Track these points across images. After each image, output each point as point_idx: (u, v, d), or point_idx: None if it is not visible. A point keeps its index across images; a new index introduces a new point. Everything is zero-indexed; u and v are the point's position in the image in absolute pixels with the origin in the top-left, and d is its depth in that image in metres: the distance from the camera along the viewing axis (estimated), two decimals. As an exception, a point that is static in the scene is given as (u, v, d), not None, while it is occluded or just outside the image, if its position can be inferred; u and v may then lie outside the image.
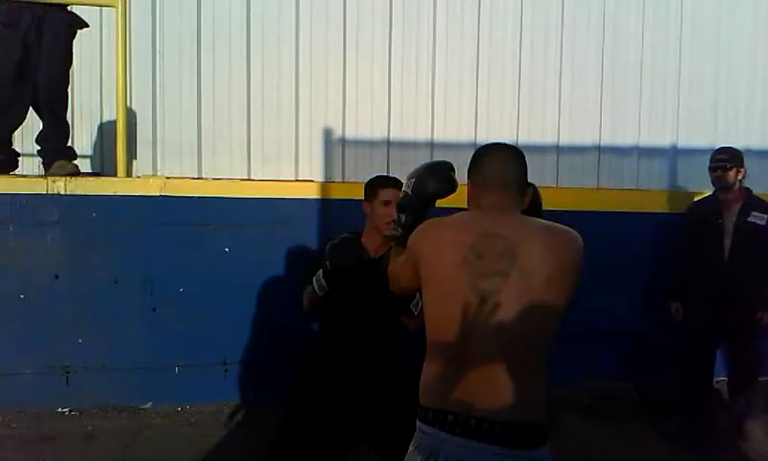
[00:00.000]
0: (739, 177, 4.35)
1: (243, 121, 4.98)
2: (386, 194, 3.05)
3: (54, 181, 4.18)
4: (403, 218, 2.33)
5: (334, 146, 5.12)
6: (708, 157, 4.49)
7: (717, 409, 4.43)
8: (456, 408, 1.88)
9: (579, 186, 5.28)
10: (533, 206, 2.14)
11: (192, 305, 4.38)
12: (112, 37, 4.42)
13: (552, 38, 5.44)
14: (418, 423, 1.99)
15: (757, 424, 4.18)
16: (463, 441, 1.87)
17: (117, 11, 4.30)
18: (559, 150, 5.39)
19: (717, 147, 4.62)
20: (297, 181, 4.97)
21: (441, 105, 5.28)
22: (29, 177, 4.32)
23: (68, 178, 4.23)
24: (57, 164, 4.34)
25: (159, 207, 4.36)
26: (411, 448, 2.00)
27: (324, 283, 2.95)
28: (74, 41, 4.47)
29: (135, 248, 4.32)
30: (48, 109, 4.39)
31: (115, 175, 4.37)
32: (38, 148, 4.46)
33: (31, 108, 4.39)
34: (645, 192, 5.46)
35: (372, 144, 5.17)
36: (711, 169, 4.42)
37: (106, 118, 5.05)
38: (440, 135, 5.27)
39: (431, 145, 5.24)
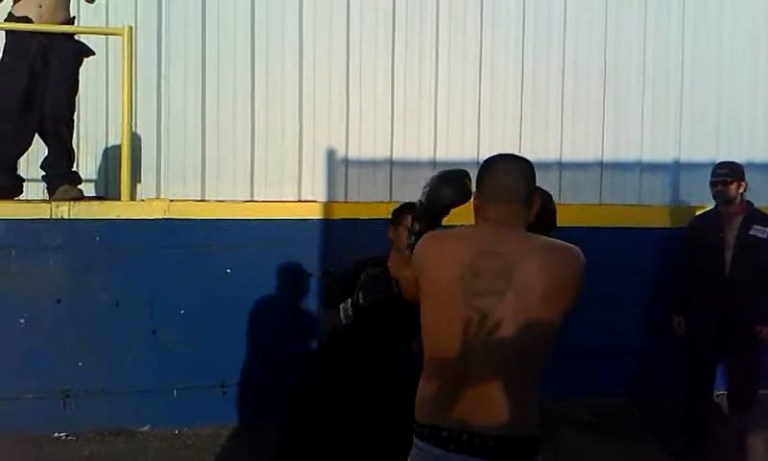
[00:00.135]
0: (740, 191, 4.33)
1: (246, 143, 5.01)
2: (409, 221, 3.07)
3: (57, 206, 4.24)
4: (417, 227, 2.33)
5: (337, 166, 5.14)
6: (710, 171, 4.48)
7: (718, 424, 4.39)
8: (451, 425, 1.89)
9: (582, 202, 5.27)
10: (544, 217, 2.12)
11: (192, 327, 4.40)
12: (118, 64, 4.50)
13: (554, 58, 5.45)
14: (414, 439, 2.00)
15: (759, 438, 4.13)
16: (456, 457, 1.88)
17: (123, 38, 4.38)
18: (561, 166, 5.38)
19: (718, 161, 4.61)
20: (300, 201, 5.00)
21: (443, 124, 5.30)
22: (33, 202, 4.40)
23: (72, 202, 4.29)
24: (61, 189, 4.42)
25: (162, 230, 4.40)
26: None
27: (351, 315, 2.95)
28: (80, 68, 4.55)
29: (138, 271, 4.36)
30: (54, 136, 4.47)
31: (119, 199, 4.43)
32: (43, 173, 4.54)
33: (37, 134, 4.47)
34: (647, 207, 5.45)
35: (374, 164, 5.20)
36: (712, 183, 4.40)
37: (110, 143, 5.12)
38: (442, 155, 5.28)
39: (434, 164, 5.25)
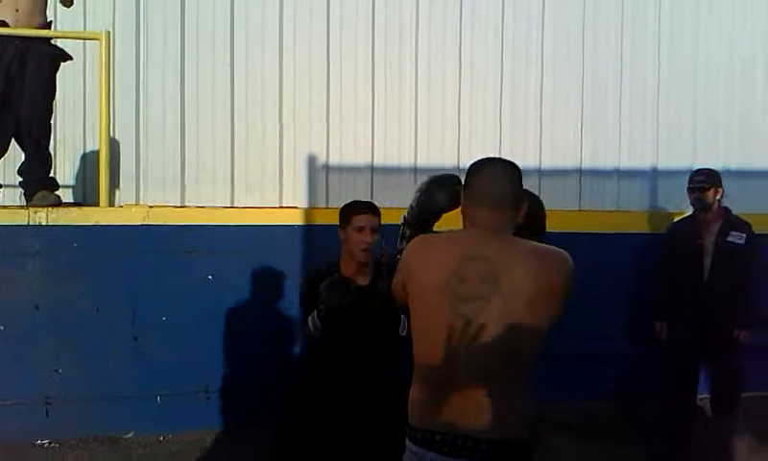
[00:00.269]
0: (717, 197, 4.40)
1: (227, 149, 4.99)
2: (360, 220, 3.05)
3: (35, 212, 4.18)
4: (408, 232, 2.31)
5: (318, 172, 5.13)
6: (687, 178, 4.55)
7: (701, 428, 4.44)
8: (443, 428, 1.91)
9: (561, 208, 5.31)
10: (533, 222, 2.13)
11: (174, 333, 4.36)
12: (96, 69, 4.45)
13: (532, 65, 5.50)
14: (407, 442, 2.01)
15: (742, 442, 4.19)
16: (450, 460, 1.89)
17: (101, 43, 4.34)
18: (540, 173, 5.43)
19: (696, 168, 4.68)
20: (281, 207, 4.98)
21: (424, 130, 5.32)
22: (10, 208, 4.33)
23: (50, 208, 4.23)
24: (39, 195, 4.35)
25: (142, 236, 4.36)
26: None
27: (319, 325, 2.97)
28: (57, 73, 4.50)
29: (117, 277, 4.31)
30: (31, 141, 4.41)
31: (98, 204, 4.38)
32: (20, 179, 4.48)
33: (13, 139, 4.41)
34: (626, 213, 5.51)
35: (356, 170, 5.20)
36: (690, 190, 4.47)
37: (88, 148, 5.07)
38: (423, 161, 5.30)
39: (415, 170, 5.27)
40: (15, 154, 4.50)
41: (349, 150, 5.18)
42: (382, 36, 5.24)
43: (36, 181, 4.43)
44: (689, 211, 4.62)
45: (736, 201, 4.61)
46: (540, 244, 2.01)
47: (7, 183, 4.65)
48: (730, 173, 5.13)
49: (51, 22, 4.59)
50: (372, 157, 5.23)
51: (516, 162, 2.09)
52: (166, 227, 4.42)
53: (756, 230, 4.41)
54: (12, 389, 4.14)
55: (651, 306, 4.67)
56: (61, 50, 4.51)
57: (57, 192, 4.49)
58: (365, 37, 5.21)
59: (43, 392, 4.20)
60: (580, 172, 5.55)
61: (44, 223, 4.18)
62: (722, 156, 5.68)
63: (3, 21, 4.29)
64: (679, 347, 4.41)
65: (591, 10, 5.61)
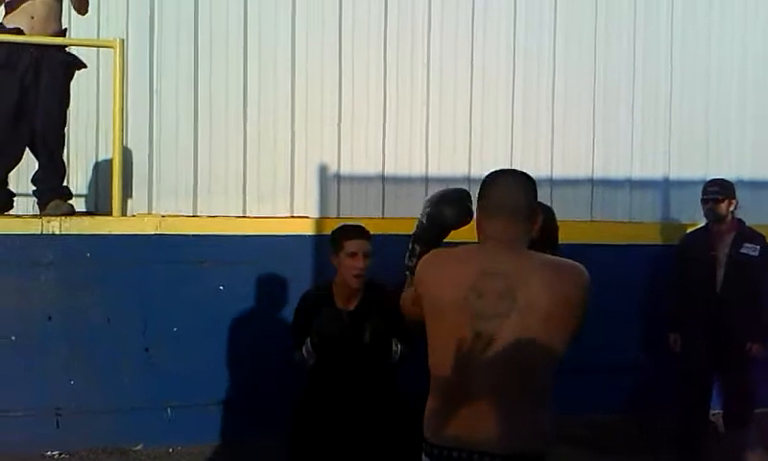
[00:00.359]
0: (731, 208, 4.38)
1: (239, 159, 4.98)
2: (351, 246, 3.08)
3: (48, 221, 4.19)
4: (417, 249, 2.28)
5: (329, 182, 5.13)
6: (701, 188, 4.52)
7: (714, 442, 4.41)
8: (458, 444, 1.91)
9: (572, 219, 5.29)
10: (546, 232, 2.12)
11: (185, 345, 4.35)
12: (109, 77, 4.46)
13: (544, 75, 5.48)
14: (423, 457, 2.02)
15: (754, 457, 4.16)
16: None
17: (115, 51, 4.35)
18: (552, 183, 5.40)
19: (709, 179, 4.65)
20: (292, 217, 4.98)
21: (435, 140, 5.30)
22: (23, 217, 4.34)
23: (63, 217, 4.24)
24: (52, 204, 4.37)
25: (154, 246, 4.37)
26: None
27: (313, 352, 3.01)
28: (71, 82, 4.52)
29: (130, 287, 4.32)
30: (45, 150, 4.42)
31: (110, 214, 4.38)
32: (34, 188, 4.50)
33: (27, 148, 4.43)
34: (638, 224, 5.49)
35: (367, 180, 5.19)
36: (704, 201, 4.45)
37: (101, 157, 5.08)
38: (434, 170, 5.29)
39: (426, 180, 5.26)
40: (29, 163, 4.51)
41: (360, 158, 5.17)
42: (394, 46, 5.24)
43: (50, 189, 4.44)
44: (702, 222, 4.59)
45: (750, 212, 4.59)
46: (555, 257, 2.02)
47: (20, 192, 4.66)
48: (743, 183, 5.09)
49: (66, 30, 4.61)
50: (384, 166, 5.22)
51: (528, 172, 2.09)
52: (178, 236, 4.43)
53: (770, 241, 4.39)
54: (22, 399, 4.14)
55: (664, 318, 4.64)
56: (76, 58, 4.52)
57: (70, 201, 4.50)
58: (377, 46, 5.20)
59: (54, 403, 4.20)
60: (592, 182, 5.53)
61: (57, 232, 4.19)
62: (734, 165, 5.65)
63: (18, 28, 4.30)
64: (692, 359, 4.38)
65: (604, 14, 5.59)
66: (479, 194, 2.06)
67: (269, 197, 4.99)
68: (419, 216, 2.33)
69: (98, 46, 4.84)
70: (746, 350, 4.21)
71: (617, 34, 5.62)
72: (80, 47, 4.65)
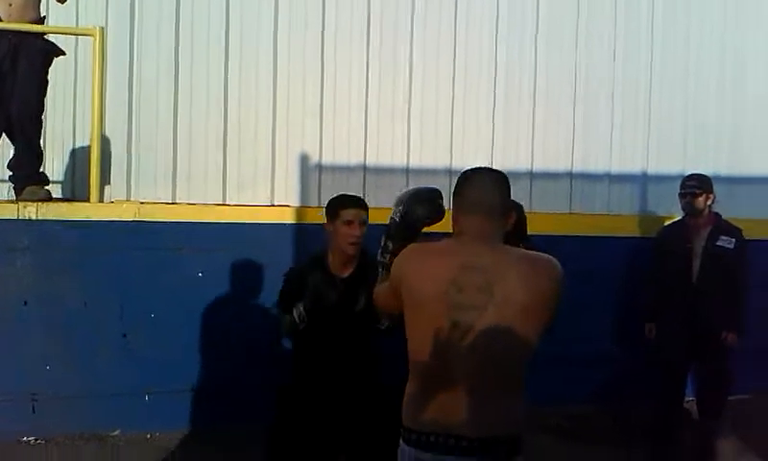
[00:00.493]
0: (708, 202, 4.45)
1: (219, 147, 4.94)
2: (348, 214, 3.09)
3: (25, 207, 4.16)
4: (390, 245, 2.33)
5: (311, 171, 5.11)
6: (678, 182, 4.58)
7: (688, 431, 4.47)
8: (436, 429, 1.97)
9: (552, 211, 5.33)
10: (517, 225, 2.16)
11: (163, 331, 4.33)
12: (87, 64, 4.42)
13: (526, 67, 5.51)
14: (401, 443, 2.06)
15: (728, 444, 4.22)
16: (444, 457, 1.96)
17: (95, 39, 4.32)
18: (532, 176, 5.44)
19: (687, 173, 4.71)
20: (272, 205, 4.96)
21: (417, 131, 5.31)
22: (-1, 202, 4.30)
23: (40, 203, 4.21)
24: (28, 190, 4.33)
25: (132, 233, 4.34)
26: None
27: (305, 318, 3.02)
28: (50, 69, 4.47)
29: (107, 273, 4.29)
30: (22, 137, 4.39)
31: (88, 200, 4.35)
32: (10, 174, 4.45)
33: (3, 134, 4.38)
34: (616, 217, 5.53)
35: (348, 169, 5.19)
36: (681, 195, 4.51)
37: (78, 144, 5.03)
38: (416, 161, 5.30)
39: (407, 171, 5.27)
40: (5, 148, 4.47)
41: (342, 149, 5.17)
42: (377, 38, 5.23)
43: (26, 176, 4.41)
44: (679, 215, 4.65)
45: (726, 206, 4.64)
46: (531, 252, 2.10)
47: (-4, 178, 4.63)
48: (720, 178, 5.15)
49: (44, 18, 4.57)
50: (365, 157, 5.21)
51: (508, 165, 2.14)
52: (157, 223, 4.40)
53: (746, 235, 4.44)
54: (-2, 386, 4.10)
55: (640, 310, 4.70)
56: (54, 45, 4.48)
57: (47, 188, 4.46)
58: (360, 38, 5.20)
59: (30, 388, 4.16)
60: (571, 175, 5.56)
61: (34, 218, 4.15)
62: (712, 160, 5.70)
63: (-4, 15, 4.27)
64: (668, 350, 4.44)
65: (585, 12, 5.63)
66: (455, 191, 2.12)
67: (249, 184, 4.96)
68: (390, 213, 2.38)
69: (78, 34, 4.80)
70: (721, 340, 4.28)
71: (598, 32, 5.66)
72: (59, 35, 4.60)
